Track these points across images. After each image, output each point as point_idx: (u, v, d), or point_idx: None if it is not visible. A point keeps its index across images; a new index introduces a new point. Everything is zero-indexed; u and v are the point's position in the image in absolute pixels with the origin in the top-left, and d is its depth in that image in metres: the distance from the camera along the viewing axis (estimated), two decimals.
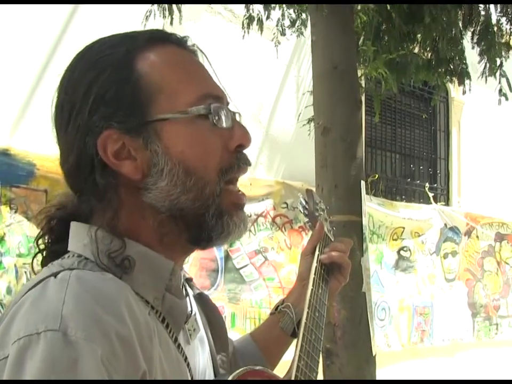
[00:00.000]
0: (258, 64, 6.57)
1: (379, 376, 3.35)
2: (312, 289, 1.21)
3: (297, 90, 7.10)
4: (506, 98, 4.70)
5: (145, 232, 0.94)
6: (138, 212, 0.94)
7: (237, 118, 1.03)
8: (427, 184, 8.77)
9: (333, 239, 1.43)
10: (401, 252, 8.03)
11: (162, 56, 0.96)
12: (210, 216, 0.94)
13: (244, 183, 5.89)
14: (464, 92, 4.52)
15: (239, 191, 1.02)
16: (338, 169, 3.24)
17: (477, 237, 9.27)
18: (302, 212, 1.46)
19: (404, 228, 8.03)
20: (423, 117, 9.03)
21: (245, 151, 1.02)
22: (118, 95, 0.90)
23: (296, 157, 6.68)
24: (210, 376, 1.04)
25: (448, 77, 4.49)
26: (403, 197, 8.58)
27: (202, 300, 1.14)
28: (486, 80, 4.51)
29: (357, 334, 3.13)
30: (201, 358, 1.03)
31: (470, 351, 8.91)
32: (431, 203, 8.59)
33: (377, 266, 7.50)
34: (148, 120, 0.91)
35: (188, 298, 1.04)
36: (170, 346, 0.89)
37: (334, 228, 1.53)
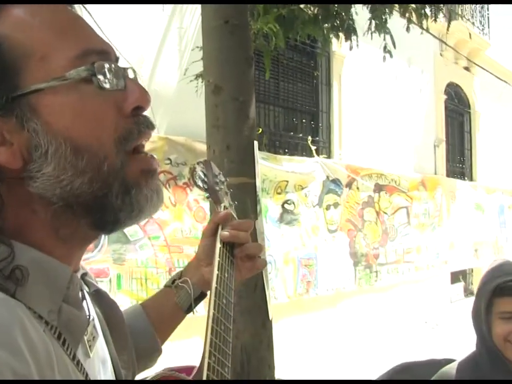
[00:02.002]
0: (139, 14, 6.34)
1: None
2: (218, 274, 1.11)
3: (179, 43, 6.92)
4: (391, 56, 4.76)
5: (38, 228, 0.78)
6: (27, 206, 0.77)
7: (130, 75, 0.85)
8: (309, 137, 8.86)
9: (235, 214, 1.33)
10: (285, 205, 8.11)
11: (27, 13, 0.77)
12: (114, 195, 0.79)
13: None
14: (351, 48, 4.53)
15: (147, 154, 0.86)
16: (230, 130, 3.15)
17: (357, 188, 9.50)
18: (201, 186, 1.32)
19: (287, 181, 8.09)
20: (315, 74, 9.08)
21: (145, 113, 0.85)
22: None
23: (179, 112, 6.55)
24: None
25: (334, 32, 4.47)
26: (286, 150, 8.63)
27: (99, 296, 0.99)
28: (372, 36, 4.54)
29: (253, 300, 3.11)
30: (102, 368, 0.90)
31: (352, 298, 9.21)
32: (313, 156, 8.69)
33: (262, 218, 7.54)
34: (19, 93, 0.74)
35: (85, 301, 0.89)
36: (68, 367, 0.75)
37: (236, 203, 1.43)
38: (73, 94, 0.77)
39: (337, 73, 9.45)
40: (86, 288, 0.95)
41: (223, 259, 1.17)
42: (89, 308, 0.91)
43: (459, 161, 13.40)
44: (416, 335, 8.99)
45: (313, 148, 8.74)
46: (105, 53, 0.83)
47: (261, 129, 7.81)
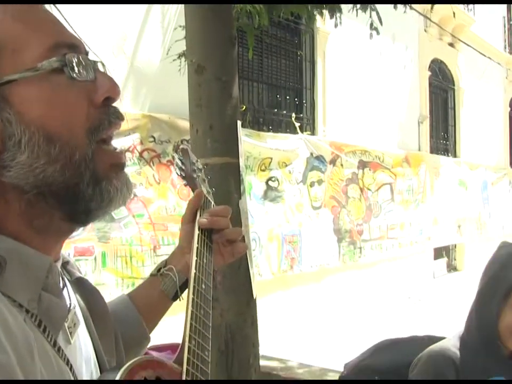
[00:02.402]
0: None
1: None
2: (196, 260, 1.12)
3: (162, 20, 6.87)
4: (378, 33, 4.74)
5: (12, 219, 0.79)
6: (0, 196, 0.79)
7: (100, 68, 0.87)
8: (293, 114, 8.86)
9: (213, 202, 1.35)
10: (269, 182, 8.13)
11: None
12: (85, 184, 0.81)
13: None
14: (336, 25, 4.50)
15: (116, 149, 0.88)
16: (213, 110, 3.13)
17: (341, 165, 9.55)
18: (179, 173, 1.34)
19: (271, 158, 8.11)
20: (299, 52, 9.05)
21: (114, 104, 0.86)
22: None
23: (163, 89, 6.52)
24: (96, 371, 0.95)
25: (318, 9, 4.44)
26: (270, 127, 8.62)
27: (80, 284, 1.01)
28: (357, 13, 4.52)
29: (237, 279, 3.12)
30: (83, 354, 0.91)
31: (336, 274, 9.28)
32: (297, 133, 8.71)
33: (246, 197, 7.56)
34: None
35: (66, 289, 0.91)
36: (49, 354, 0.77)
37: (214, 189, 1.44)
38: (45, 85, 0.78)
39: (322, 50, 9.42)
40: (67, 277, 0.97)
41: (201, 245, 1.18)
42: (70, 295, 0.92)
43: (443, 137, 13.45)
44: (400, 310, 9.07)
45: (297, 124, 8.75)
46: (75, 46, 0.84)
47: (244, 106, 7.80)
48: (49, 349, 0.78)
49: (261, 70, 8.61)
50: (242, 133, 7.13)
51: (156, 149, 6.51)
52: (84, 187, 0.81)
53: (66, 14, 5.44)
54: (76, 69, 0.81)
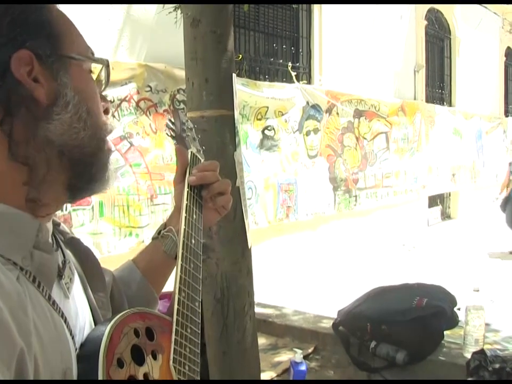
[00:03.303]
0: None
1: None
2: (185, 217, 1.19)
3: None
4: None
5: (40, 166, 0.90)
6: (31, 141, 0.89)
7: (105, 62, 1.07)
8: (290, 63, 8.82)
9: (202, 159, 1.39)
10: (266, 131, 8.15)
11: (60, 11, 0.98)
12: (99, 157, 0.98)
13: None
14: None
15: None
16: (209, 63, 3.15)
17: (337, 113, 9.54)
18: (169, 134, 1.40)
19: (267, 107, 8.11)
20: (294, 7, 8.93)
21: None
22: (37, 22, 0.91)
23: (159, 38, 6.49)
24: (90, 324, 1.02)
25: None
26: (266, 76, 8.59)
27: (73, 243, 1.10)
28: None
29: (232, 229, 3.17)
30: (78, 308, 0.99)
31: (331, 223, 9.38)
32: (293, 82, 8.68)
33: (242, 147, 7.57)
34: (61, 53, 0.92)
35: (59, 247, 1.00)
36: (44, 306, 0.85)
37: (204, 148, 1.49)
38: (86, 73, 0.99)
39: None
40: (60, 237, 1.06)
41: (190, 202, 1.24)
42: (64, 252, 1.02)
43: (438, 86, 13.40)
44: (394, 258, 9.20)
45: (293, 73, 8.72)
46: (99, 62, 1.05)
47: (241, 56, 7.77)
48: (44, 303, 0.86)
49: (257, 19, 8.54)
50: (238, 82, 7.15)
51: (152, 98, 6.51)
52: (98, 158, 0.97)
53: None
54: (102, 73, 1.03)
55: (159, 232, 1.37)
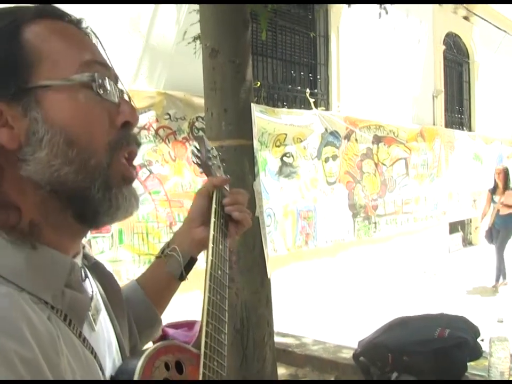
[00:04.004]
0: None
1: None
2: (212, 247, 1.18)
3: None
4: (387, 12, 4.72)
5: (28, 211, 0.85)
6: (17, 188, 0.85)
7: (125, 97, 0.97)
8: (308, 90, 8.83)
9: (228, 188, 1.38)
10: (284, 158, 8.14)
11: (49, 27, 0.90)
12: (96, 189, 0.88)
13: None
14: (349, 5, 4.49)
15: (131, 165, 0.96)
16: (227, 93, 3.17)
17: (356, 140, 9.52)
18: (195, 161, 1.41)
19: (286, 134, 8.11)
20: (311, 36, 8.98)
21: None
22: None
23: (177, 66, 6.54)
24: (117, 355, 1.01)
25: None
26: (284, 103, 8.62)
27: (97, 268, 1.08)
28: None
29: (252, 258, 3.17)
30: (106, 338, 0.98)
31: (350, 250, 9.31)
32: (311, 108, 8.69)
33: (261, 174, 7.58)
34: (29, 86, 0.85)
35: (87, 279, 0.98)
36: (76, 345, 0.84)
37: (228, 176, 1.48)
38: (74, 95, 0.87)
39: (335, 25, 9.36)
40: (86, 262, 1.03)
41: (217, 232, 1.24)
42: (92, 283, 1.00)
43: (458, 111, 13.37)
44: (415, 285, 9.12)
45: (311, 100, 8.73)
46: (108, 67, 0.95)
47: (259, 83, 7.79)
48: (76, 341, 0.84)
49: (275, 46, 8.58)
50: (256, 109, 7.17)
51: (171, 126, 6.55)
52: (94, 191, 0.88)
53: None
54: (103, 87, 0.90)
55: (162, 251, 1.35)
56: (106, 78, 0.92)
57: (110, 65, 0.97)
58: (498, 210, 9.65)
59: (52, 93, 0.86)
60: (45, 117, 0.85)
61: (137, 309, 1.27)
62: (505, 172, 9.77)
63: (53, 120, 0.85)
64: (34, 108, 0.84)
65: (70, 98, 0.87)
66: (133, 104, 0.97)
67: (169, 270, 1.31)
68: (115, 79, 0.97)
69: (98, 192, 0.88)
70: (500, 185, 9.70)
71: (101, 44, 0.98)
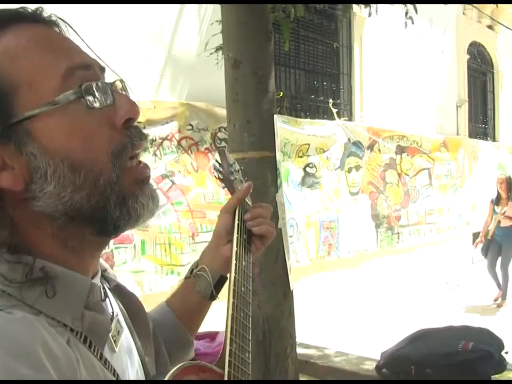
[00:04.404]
0: None
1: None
2: (236, 264, 1.15)
3: (199, 8, 6.88)
4: (413, 22, 4.70)
5: (46, 243, 0.83)
6: (32, 224, 0.83)
7: (119, 85, 0.90)
8: (330, 100, 8.83)
9: (250, 203, 1.35)
10: (307, 169, 8.13)
11: (10, 42, 0.81)
12: (112, 207, 0.84)
13: (147, 106, 5.77)
14: (370, 14, 4.48)
15: (140, 162, 0.90)
16: (250, 104, 3.16)
17: (379, 150, 9.49)
18: (217, 176, 1.37)
19: (309, 144, 8.10)
20: (334, 46, 8.97)
21: (136, 124, 0.89)
22: None
23: (200, 77, 6.55)
24: (141, 371, 1.00)
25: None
26: (307, 113, 8.61)
27: (119, 290, 1.06)
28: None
29: (274, 271, 3.15)
30: (128, 359, 0.97)
31: (373, 260, 9.26)
32: (334, 119, 8.67)
33: (284, 184, 7.56)
34: (14, 121, 0.78)
35: (107, 299, 0.96)
36: (96, 367, 0.81)
37: (251, 183, 1.47)
38: (64, 116, 0.81)
39: (358, 35, 9.35)
40: (107, 285, 1.01)
41: (240, 248, 1.21)
42: (112, 304, 0.97)
43: (482, 121, 13.27)
44: (438, 296, 9.03)
45: (334, 110, 8.72)
46: (89, 65, 0.86)
47: (282, 93, 7.79)
48: (96, 363, 0.82)
49: (298, 56, 8.58)
50: (279, 119, 7.14)
51: (194, 137, 6.56)
52: (111, 209, 0.84)
53: (104, 6, 5.51)
54: (93, 97, 0.83)
55: (191, 271, 1.32)
56: (93, 83, 0.84)
57: (91, 58, 0.88)
58: (499, 222, 9.12)
59: (41, 121, 0.80)
60: (42, 149, 0.80)
61: (167, 331, 1.25)
62: (508, 181, 9.23)
63: (51, 150, 0.80)
64: (28, 143, 0.79)
65: (62, 122, 0.81)
66: (127, 93, 0.91)
67: (199, 290, 1.28)
68: (101, 71, 0.89)
69: (116, 210, 0.84)
70: (503, 195, 9.15)
71: (72, 29, 0.89)
